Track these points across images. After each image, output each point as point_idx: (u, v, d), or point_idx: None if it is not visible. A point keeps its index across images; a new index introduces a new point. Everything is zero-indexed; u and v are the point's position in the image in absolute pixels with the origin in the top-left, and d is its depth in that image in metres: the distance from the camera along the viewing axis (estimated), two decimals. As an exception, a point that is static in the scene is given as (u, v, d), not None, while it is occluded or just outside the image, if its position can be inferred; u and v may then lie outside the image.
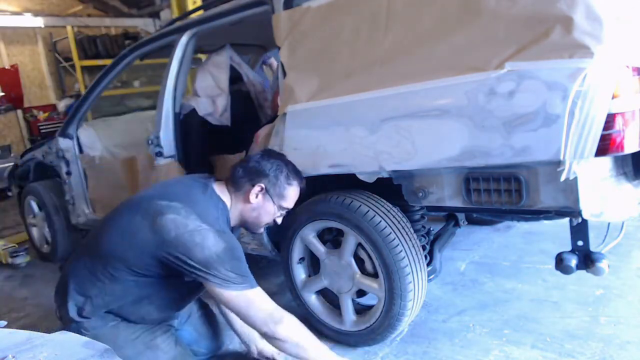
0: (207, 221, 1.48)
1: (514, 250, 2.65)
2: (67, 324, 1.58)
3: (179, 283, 1.60)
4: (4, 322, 1.45)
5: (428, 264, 1.91)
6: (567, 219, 1.49)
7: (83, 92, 5.02)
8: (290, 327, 1.47)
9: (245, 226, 1.70)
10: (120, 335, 1.59)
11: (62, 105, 8.05)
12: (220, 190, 1.63)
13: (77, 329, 1.55)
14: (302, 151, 1.78)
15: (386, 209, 1.74)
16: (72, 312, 1.57)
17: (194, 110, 2.67)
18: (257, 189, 1.60)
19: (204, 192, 1.59)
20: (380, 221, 1.69)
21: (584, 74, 1.20)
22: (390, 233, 1.68)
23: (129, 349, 1.57)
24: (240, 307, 1.47)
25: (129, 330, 1.61)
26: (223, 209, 1.60)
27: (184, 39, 2.41)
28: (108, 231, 1.57)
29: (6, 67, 7.72)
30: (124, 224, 1.53)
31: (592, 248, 1.52)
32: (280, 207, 1.65)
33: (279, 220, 1.70)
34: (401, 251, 1.67)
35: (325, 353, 1.50)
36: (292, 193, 1.65)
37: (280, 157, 1.68)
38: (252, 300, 1.46)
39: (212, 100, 2.69)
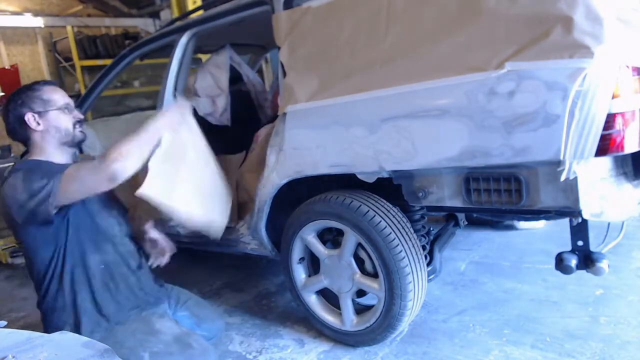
0: (8, 177, 1.54)
1: (514, 250, 2.65)
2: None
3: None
4: (4, 322, 1.45)
5: (428, 264, 1.91)
6: (567, 219, 1.49)
7: (83, 92, 5.02)
8: (112, 154, 1.45)
9: (65, 142, 1.65)
10: (117, 334, 1.60)
11: (62, 105, 8.05)
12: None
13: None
14: (302, 151, 1.78)
15: (386, 209, 1.74)
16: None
17: (194, 110, 2.67)
18: (29, 120, 1.58)
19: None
20: (380, 221, 1.69)
21: (584, 74, 1.20)
22: (390, 233, 1.68)
23: (130, 341, 1.59)
24: (78, 188, 1.49)
25: (124, 327, 1.63)
26: (22, 161, 1.64)
27: (184, 39, 2.41)
28: None
29: (6, 67, 7.72)
30: None
31: (592, 248, 1.52)
32: (59, 108, 1.63)
33: (78, 115, 1.68)
34: (401, 251, 1.67)
35: (145, 129, 1.58)
36: (48, 91, 1.63)
37: (9, 95, 1.65)
38: (73, 175, 1.48)
39: (212, 100, 2.70)
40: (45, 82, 1.67)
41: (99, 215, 1.68)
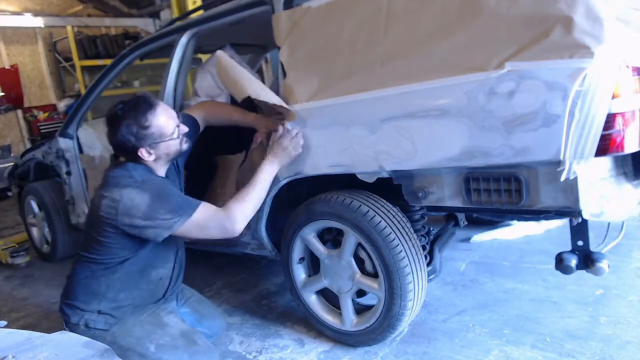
0: (126, 184, 1.56)
1: (514, 250, 2.65)
2: (72, 330, 1.63)
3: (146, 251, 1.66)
4: (4, 322, 1.45)
5: (428, 264, 1.91)
6: (567, 219, 1.49)
7: (83, 92, 5.02)
8: (237, 215, 1.59)
9: (172, 159, 1.71)
10: (127, 322, 1.66)
11: (62, 105, 8.06)
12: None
13: (86, 326, 1.63)
14: (302, 151, 1.78)
15: (386, 209, 1.74)
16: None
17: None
18: (142, 153, 1.60)
19: (122, 168, 1.64)
20: (380, 221, 1.69)
21: (584, 74, 1.20)
22: (390, 233, 1.68)
23: (138, 330, 1.64)
24: (197, 234, 1.58)
25: (134, 317, 1.67)
26: (138, 167, 1.64)
27: (184, 39, 2.41)
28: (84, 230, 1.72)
29: (6, 67, 7.72)
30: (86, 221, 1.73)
31: (592, 248, 1.52)
32: (169, 137, 1.62)
33: (183, 130, 1.67)
34: (401, 251, 1.67)
35: (261, 181, 1.69)
36: (158, 123, 1.59)
37: (115, 120, 1.60)
38: (199, 224, 1.56)
39: (212, 101, 2.69)
40: (151, 108, 1.58)
41: (179, 244, 1.80)
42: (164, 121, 1.61)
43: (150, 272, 1.71)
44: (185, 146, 1.69)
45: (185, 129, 1.68)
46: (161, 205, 1.53)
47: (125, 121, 1.56)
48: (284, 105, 1.74)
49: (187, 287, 1.96)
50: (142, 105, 1.58)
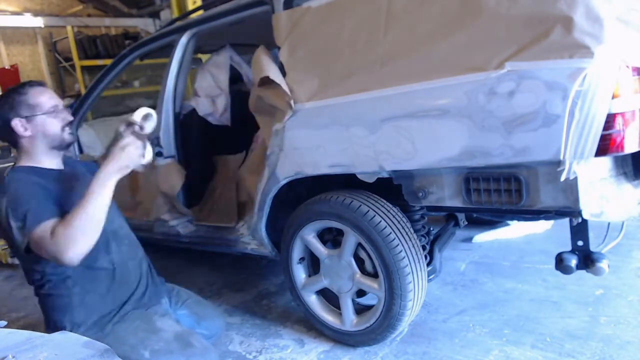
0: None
1: (514, 250, 2.65)
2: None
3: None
4: (4, 322, 1.45)
5: (428, 264, 1.91)
6: (567, 219, 1.49)
7: (83, 92, 5.01)
8: (62, 242, 1.34)
9: (54, 146, 1.61)
10: (119, 332, 1.61)
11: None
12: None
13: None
14: (302, 151, 1.78)
15: (386, 209, 1.74)
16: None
17: (194, 110, 2.68)
18: (16, 125, 1.53)
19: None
20: (380, 221, 1.69)
21: (584, 74, 1.20)
22: (390, 233, 1.68)
23: (131, 339, 1.59)
24: (44, 254, 1.40)
25: (126, 324, 1.63)
26: (17, 168, 1.58)
27: (184, 39, 2.41)
28: None
29: (6, 67, 7.72)
30: None
31: (592, 248, 1.52)
32: (47, 112, 1.56)
33: (67, 117, 1.61)
34: (401, 251, 1.67)
35: (88, 195, 1.38)
36: (36, 94, 1.56)
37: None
38: (37, 244, 1.39)
39: (212, 100, 2.70)
40: (32, 84, 1.60)
41: (107, 220, 1.58)
42: (45, 96, 1.58)
43: (98, 264, 1.61)
44: (67, 136, 1.60)
45: (70, 117, 1.62)
46: (15, 210, 1.43)
47: (6, 92, 1.57)
48: (287, 92, 1.75)
49: (183, 289, 1.93)
50: (26, 82, 1.61)
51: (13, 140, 1.59)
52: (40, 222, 1.38)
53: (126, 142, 1.42)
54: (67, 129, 1.62)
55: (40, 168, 1.59)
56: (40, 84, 1.64)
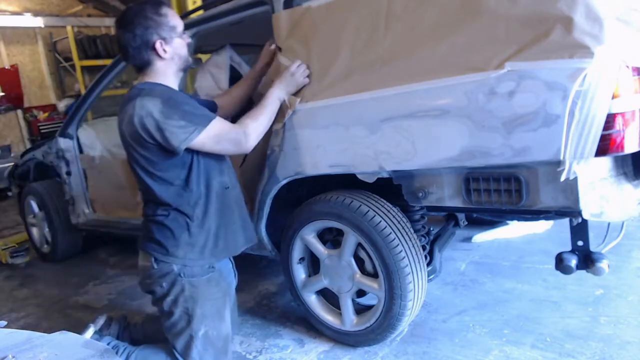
0: (135, 96, 1.53)
1: (514, 250, 2.65)
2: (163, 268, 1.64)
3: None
4: (4, 322, 1.45)
5: (428, 264, 1.91)
6: (567, 219, 1.49)
7: (83, 92, 5.01)
8: (251, 131, 1.61)
9: (183, 68, 1.69)
10: (209, 290, 1.68)
11: (62, 105, 8.06)
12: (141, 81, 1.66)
13: (179, 272, 1.63)
14: (302, 151, 1.78)
15: (386, 209, 1.74)
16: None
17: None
18: (158, 46, 1.57)
19: (130, 90, 1.63)
20: (380, 221, 1.69)
21: (584, 74, 1.20)
22: (390, 233, 1.68)
23: (208, 306, 1.67)
24: (212, 147, 1.57)
25: (215, 289, 1.70)
26: (147, 83, 1.61)
27: (184, 39, 2.41)
28: None
29: (6, 67, 7.73)
30: None
31: (592, 248, 1.52)
32: (181, 35, 1.63)
33: (188, 39, 1.68)
34: (401, 251, 1.67)
35: (271, 103, 1.71)
36: (173, 15, 1.62)
37: (128, 15, 1.59)
38: (215, 136, 1.55)
39: (212, 100, 2.69)
40: (165, 4, 1.62)
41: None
42: (177, 18, 1.63)
43: (215, 184, 1.67)
44: (190, 59, 1.69)
45: (189, 39, 1.69)
46: (174, 111, 1.49)
47: (142, 11, 1.57)
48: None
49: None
50: (157, 1, 1.63)
51: (148, 61, 1.61)
52: (212, 119, 1.55)
53: (294, 69, 1.71)
54: (189, 52, 1.68)
55: (169, 87, 1.63)
56: (168, 2, 1.68)
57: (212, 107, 1.88)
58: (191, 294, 1.64)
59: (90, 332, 1.87)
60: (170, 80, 1.64)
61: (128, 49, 1.59)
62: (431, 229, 2.07)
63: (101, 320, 1.95)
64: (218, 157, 1.70)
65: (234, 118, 2.68)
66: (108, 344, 1.78)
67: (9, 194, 4.00)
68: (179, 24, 1.62)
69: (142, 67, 1.63)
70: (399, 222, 1.72)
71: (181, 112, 1.50)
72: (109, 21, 8.79)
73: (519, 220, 2.55)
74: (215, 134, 1.54)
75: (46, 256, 3.58)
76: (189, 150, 1.56)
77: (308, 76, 1.72)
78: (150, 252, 1.65)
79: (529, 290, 2.20)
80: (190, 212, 1.62)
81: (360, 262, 1.83)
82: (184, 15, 2.41)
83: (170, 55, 1.60)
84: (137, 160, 1.58)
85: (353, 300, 1.90)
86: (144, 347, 1.77)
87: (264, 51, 1.96)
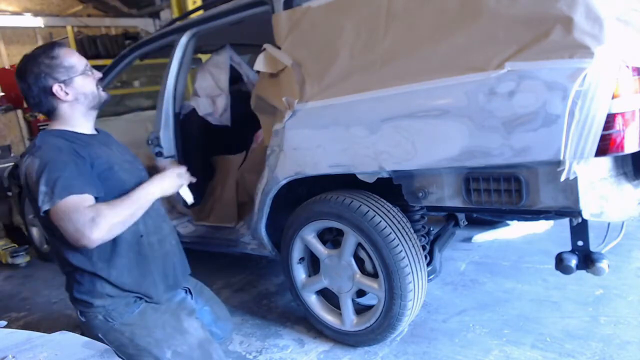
0: (26, 153, 1.48)
1: (514, 250, 2.65)
2: (90, 320, 1.58)
3: None
4: (4, 322, 1.46)
5: (428, 264, 1.91)
6: (567, 219, 1.49)
7: (83, 92, 4.98)
8: (102, 221, 1.35)
9: (93, 106, 1.60)
10: (149, 319, 1.59)
11: (62, 105, 8.05)
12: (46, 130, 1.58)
13: (105, 319, 1.55)
14: (302, 151, 1.78)
15: (386, 209, 1.74)
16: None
17: (194, 110, 2.67)
18: (58, 91, 1.50)
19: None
20: (380, 221, 1.69)
21: (584, 74, 1.20)
22: (390, 233, 1.68)
23: (159, 332, 1.58)
24: (57, 223, 1.37)
25: (156, 315, 1.61)
26: (49, 132, 1.55)
27: (184, 39, 2.41)
28: None
29: (6, 67, 7.72)
30: None
31: (592, 248, 1.52)
32: (82, 72, 1.55)
33: (97, 74, 1.61)
34: (401, 251, 1.67)
35: (138, 197, 1.48)
36: (67, 56, 1.53)
37: (22, 65, 1.53)
38: (61, 213, 1.35)
39: (212, 100, 2.70)
40: (58, 45, 1.56)
41: (128, 187, 1.58)
42: (75, 57, 1.55)
43: (123, 234, 1.51)
44: (103, 94, 1.60)
45: (99, 74, 1.61)
46: (44, 175, 1.38)
47: (33, 58, 1.51)
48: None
49: (206, 287, 1.93)
50: (49, 44, 1.57)
51: (51, 107, 1.54)
52: (70, 193, 1.36)
53: (180, 172, 1.65)
54: (100, 87, 1.61)
55: (73, 132, 1.56)
56: (63, 44, 1.62)
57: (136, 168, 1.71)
58: (131, 331, 1.56)
59: None
60: (79, 122, 1.57)
61: (29, 99, 1.55)
62: (431, 229, 2.07)
63: None
64: None
65: (234, 123, 2.67)
66: None
67: (9, 194, 4.00)
68: (77, 62, 1.54)
69: (49, 113, 1.57)
70: (399, 222, 1.72)
71: (48, 179, 1.38)
72: (109, 21, 8.79)
73: (519, 220, 2.54)
74: (63, 210, 1.34)
75: (46, 256, 3.58)
76: None
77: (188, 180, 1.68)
78: (75, 307, 1.61)
79: (529, 290, 2.20)
80: (95, 264, 1.52)
81: (360, 262, 1.83)
82: (184, 15, 2.41)
83: (74, 97, 1.53)
84: (35, 212, 1.51)
85: (353, 300, 1.90)
86: None
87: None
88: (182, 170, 1.67)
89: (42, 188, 1.37)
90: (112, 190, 1.50)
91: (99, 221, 1.34)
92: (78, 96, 1.54)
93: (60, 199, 1.35)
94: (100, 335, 1.56)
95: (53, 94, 1.51)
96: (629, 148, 1.27)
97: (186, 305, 1.73)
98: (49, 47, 1.54)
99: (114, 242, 1.52)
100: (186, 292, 1.81)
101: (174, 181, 1.62)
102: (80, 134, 1.56)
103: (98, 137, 1.64)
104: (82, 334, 1.60)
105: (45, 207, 1.35)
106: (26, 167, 1.44)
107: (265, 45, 1.89)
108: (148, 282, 1.62)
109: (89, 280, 1.55)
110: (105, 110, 1.67)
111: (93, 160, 1.51)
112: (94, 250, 1.47)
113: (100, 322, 1.56)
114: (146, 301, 1.62)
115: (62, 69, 1.51)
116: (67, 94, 1.52)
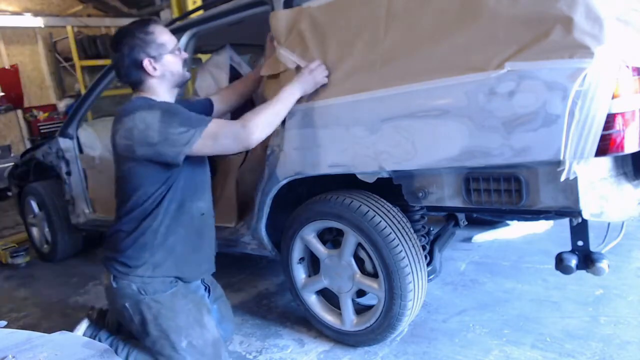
0: (135, 109, 1.53)
1: (514, 250, 2.65)
2: (123, 287, 1.61)
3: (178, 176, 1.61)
4: (4, 322, 1.46)
5: (428, 264, 1.91)
6: (567, 219, 1.49)
7: (83, 92, 5.01)
8: (252, 125, 1.53)
9: (177, 84, 1.69)
10: (177, 303, 1.64)
11: (62, 105, 8.06)
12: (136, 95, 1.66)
13: (138, 291, 1.60)
14: (302, 151, 1.78)
15: (386, 209, 1.74)
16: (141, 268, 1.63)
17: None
18: (147, 66, 1.58)
19: (128, 102, 1.64)
20: (380, 221, 1.69)
21: (584, 74, 1.20)
22: (390, 233, 1.68)
23: (182, 318, 1.63)
24: (212, 147, 1.53)
25: (184, 301, 1.66)
26: (143, 97, 1.63)
27: (184, 39, 2.41)
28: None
29: (6, 67, 7.72)
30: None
31: (592, 248, 1.52)
32: (172, 51, 1.63)
33: (184, 54, 1.69)
34: (401, 251, 1.67)
35: (283, 98, 1.62)
36: (161, 33, 1.62)
37: (117, 36, 1.63)
38: (214, 134, 1.51)
39: (212, 100, 2.69)
40: (155, 21, 1.65)
41: (205, 164, 1.75)
42: (167, 35, 1.63)
43: (190, 206, 1.66)
44: (186, 73, 1.68)
45: (186, 55, 1.69)
46: (173, 119, 1.49)
47: (130, 31, 1.59)
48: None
49: (219, 286, 1.96)
50: (145, 19, 1.65)
51: (139, 80, 1.62)
52: (209, 120, 1.53)
53: (314, 67, 1.65)
54: (185, 67, 1.67)
55: (180, 105, 1.62)
56: (158, 21, 1.67)
57: (208, 106, 1.88)
58: (158, 310, 1.60)
59: (83, 326, 1.86)
60: (164, 97, 1.64)
61: (119, 69, 1.62)
62: (431, 229, 2.07)
63: (94, 314, 1.95)
64: (200, 182, 1.70)
65: (234, 113, 2.68)
66: (106, 339, 1.78)
67: (9, 194, 4.00)
68: (169, 40, 1.62)
69: (135, 84, 1.64)
70: (399, 222, 1.72)
71: (180, 119, 1.50)
72: (109, 21, 8.79)
73: (519, 220, 2.55)
74: (213, 132, 1.52)
75: (46, 256, 3.58)
76: (172, 169, 1.56)
77: (327, 76, 1.67)
78: (110, 270, 1.63)
79: (529, 290, 2.20)
80: (156, 228, 1.60)
81: (360, 262, 1.83)
82: (184, 15, 2.41)
83: (161, 73, 1.61)
84: (125, 172, 1.59)
85: (353, 300, 1.90)
86: (142, 349, 1.76)
87: (268, 45, 1.94)
88: (314, 65, 1.66)
89: (180, 129, 1.48)
90: (195, 167, 1.66)
91: (249, 125, 1.52)
92: (165, 72, 1.62)
93: (205, 126, 1.50)
94: (127, 304, 1.61)
95: (142, 68, 1.58)
96: (629, 148, 1.27)
97: (205, 301, 1.78)
98: (146, 23, 1.62)
99: (179, 211, 1.61)
100: (206, 289, 1.85)
101: (310, 79, 1.65)
102: (188, 111, 1.61)
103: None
104: (108, 302, 1.64)
105: (195, 139, 1.48)
106: (141, 121, 1.49)
107: (277, 47, 1.87)
108: (196, 259, 1.70)
109: (141, 245, 1.60)
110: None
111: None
112: (160, 213, 1.59)
113: (132, 292, 1.60)
114: (182, 281, 1.69)
115: (154, 44, 1.59)
116: (155, 69, 1.59)
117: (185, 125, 1.49)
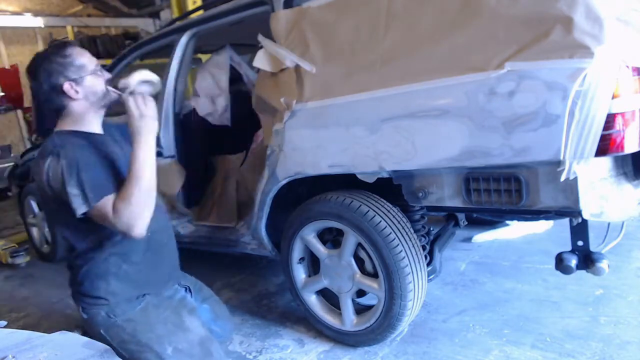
0: (48, 153, 1.46)
1: (514, 250, 2.65)
2: (93, 316, 1.60)
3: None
4: (4, 322, 1.46)
5: (428, 264, 1.91)
6: (567, 219, 1.49)
7: (83, 92, 4.97)
8: (124, 219, 1.39)
9: (102, 105, 1.60)
10: (151, 315, 1.62)
11: (62, 105, 8.05)
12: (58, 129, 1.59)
13: (107, 315, 1.58)
14: (302, 151, 1.78)
15: (386, 209, 1.74)
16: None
17: (194, 110, 2.68)
18: (69, 89, 1.50)
19: (48, 137, 1.57)
20: (380, 221, 1.69)
21: (584, 74, 1.20)
22: (390, 233, 1.68)
23: (160, 328, 1.60)
24: (105, 224, 1.43)
25: (158, 311, 1.64)
26: (64, 131, 1.55)
27: (184, 39, 2.41)
28: None
29: (6, 67, 7.73)
30: None
31: (592, 248, 1.52)
32: (92, 72, 1.55)
33: (106, 74, 1.61)
34: (401, 251, 1.67)
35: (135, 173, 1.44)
36: (79, 55, 1.55)
37: (33, 63, 1.55)
38: (103, 217, 1.41)
39: (212, 100, 2.70)
40: (70, 44, 1.59)
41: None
42: (85, 56, 1.56)
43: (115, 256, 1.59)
44: (112, 93, 1.58)
45: (108, 75, 1.62)
46: (72, 177, 1.41)
47: (46, 57, 1.53)
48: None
49: (205, 286, 1.94)
50: (60, 43, 1.60)
51: (62, 105, 1.55)
52: (102, 195, 1.41)
53: (134, 108, 1.48)
54: (109, 87, 1.60)
55: (86, 132, 1.57)
56: (75, 44, 1.63)
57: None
58: (133, 328, 1.58)
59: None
60: (89, 121, 1.58)
61: (39, 96, 1.56)
62: (431, 229, 2.07)
63: None
64: None
65: (235, 117, 2.67)
66: None
67: (9, 194, 4.00)
68: (88, 62, 1.56)
69: (58, 111, 1.58)
70: (399, 222, 1.72)
71: (78, 181, 1.41)
72: (109, 21, 8.79)
73: (519, 220, 2.55)
74: (101, 214, 1.41)
75: (46, 256, 3.57)
76: None
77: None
78: (77, 303, 1.62)
79: (529, 290, 2.20)
80: (105, 259, 1.57)
81: (360, 262, 1.83)
82: (184, 15, 2.41)
83: (84, 95, 1.53)
84: (53, 211, 1.55)
85: (353, 300, 1.90)
86: None
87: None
88: (133, 107, 1.48)
89: (74, 191, 1.40)
90: None
91: (122, 221, 1.39)
92: (88, 95, 1.55)
93: (96, 201, 1.40)
94: (102, 331, 1.58)
95: (63, 92, 1.52)
96: (629, 148, 1.27)
97: (187, 303, 1.75)
98: (61, 47, 1.56)
99: (125, 239, 1.55)
100: (186, 290, 1.82)
101: (141, 121, 1.47)
102: (93, 133, 1.58)
103: (105, 136, 1.65)
104: (84, 333, 1.61)
105: (81, 211, 1.40)
106: (48, 168, 1.45)
107: (261, 40, 1.87)
108: (158, 274, 1.67)
109: (95, 276, 1.58)
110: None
111: (114, 159, 1.55)
112: (107, 246, 1.55)
113: (102, 318, 1.58)
114: (149, 295, 1.65)
115: (73, 67, 1.52)
116: (77, 92, 1.53)
117: (80, 189, 1.41)
